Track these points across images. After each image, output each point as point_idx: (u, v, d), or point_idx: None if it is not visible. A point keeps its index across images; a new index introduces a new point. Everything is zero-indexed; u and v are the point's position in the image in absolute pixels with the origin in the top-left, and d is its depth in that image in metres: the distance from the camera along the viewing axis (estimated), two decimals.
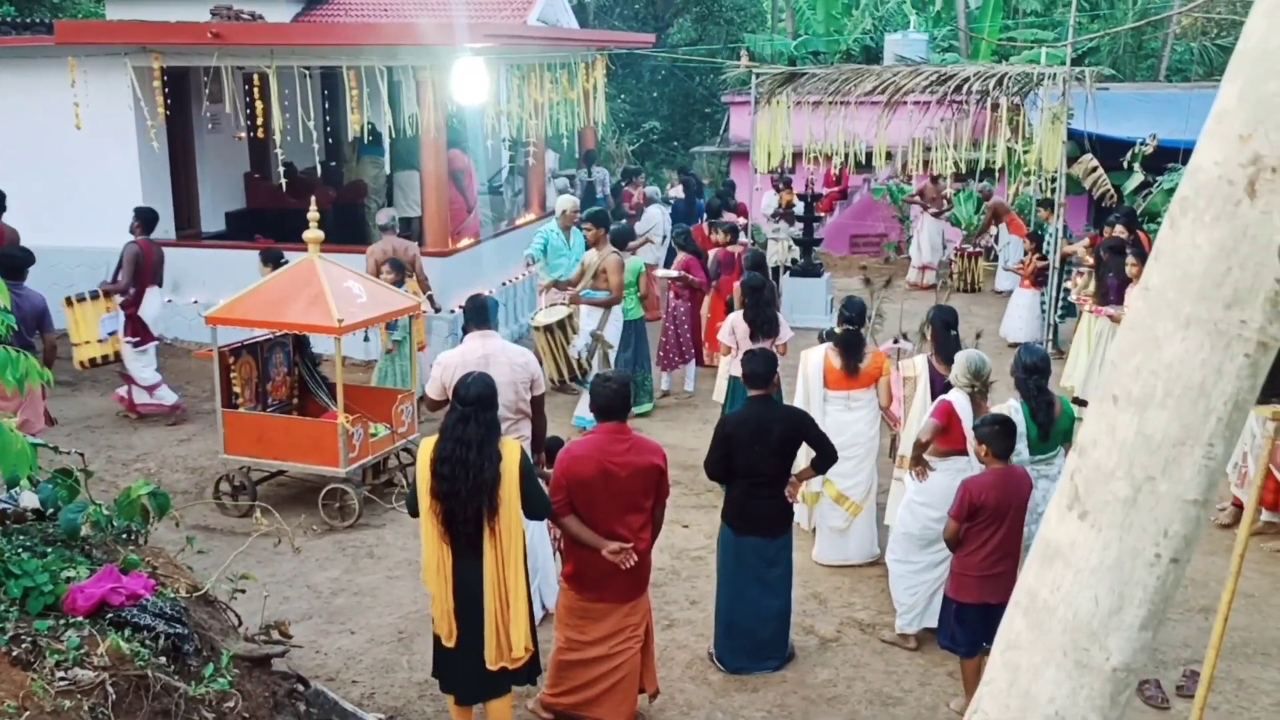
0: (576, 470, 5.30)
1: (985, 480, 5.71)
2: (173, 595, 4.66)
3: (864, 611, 6.99)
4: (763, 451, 6.05)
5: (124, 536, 5.03)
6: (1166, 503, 2.08)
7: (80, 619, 4.17)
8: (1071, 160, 13.63)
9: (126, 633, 4.19)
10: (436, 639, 5.22)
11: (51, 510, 5.00)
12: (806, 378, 7.53)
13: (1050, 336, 12.69)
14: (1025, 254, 13.59)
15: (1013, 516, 5.69)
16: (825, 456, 6.27)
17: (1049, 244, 12.92)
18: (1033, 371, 6.22)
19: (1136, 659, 2.16)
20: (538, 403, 6.69)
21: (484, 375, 5.24)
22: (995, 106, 12.65)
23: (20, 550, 4.48)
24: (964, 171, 14.91)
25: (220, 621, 5.12)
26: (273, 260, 9.64)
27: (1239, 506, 7.98)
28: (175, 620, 4.42)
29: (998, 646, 2.34)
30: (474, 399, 5.03)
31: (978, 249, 16.59)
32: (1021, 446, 6.10)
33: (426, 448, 5.09)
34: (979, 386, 6.34)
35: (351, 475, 8.16)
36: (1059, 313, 12.86)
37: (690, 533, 8.07)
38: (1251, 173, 1.93)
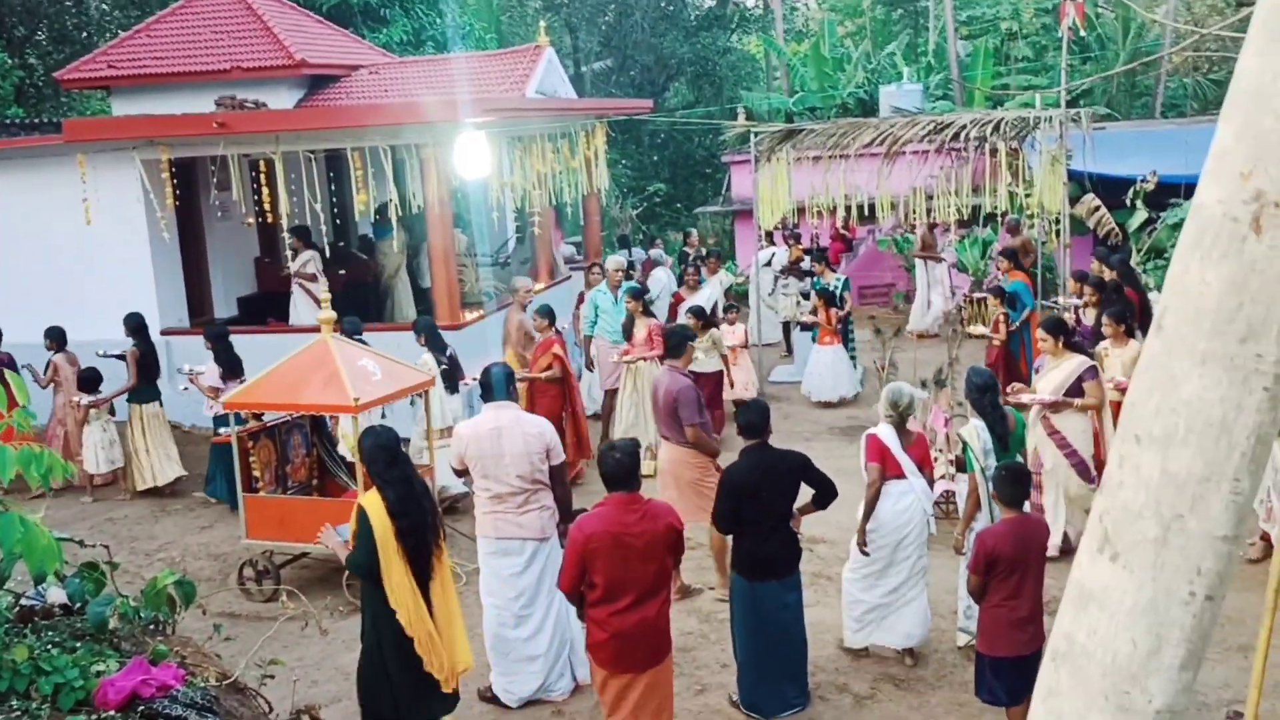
0: (592, 546, 5.29)
1: (999, 530, 5.69)
2: (202, 684, 4.64)
3: (897, 666, 6.91)
4: (771, 496, 6.18)
5: (152, 627, 5.01)
6: (1197, 540, 2.08)
7: (112, 713, 4.16)
8: (1073, 201, 13.69)
9: None
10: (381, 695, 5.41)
11: (79, 604, 4.99)
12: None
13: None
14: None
15: (1033, 565, 5.66)
16: (825, 493, 6.43)
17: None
18: (984, 390, 6.88)
19: (1179, 700, 2.14)
20: (558, 472, 6.60)
21: (380, 427, 5.71)
22: (994, 152, 12.76)
23: (50, 646, 4.47)
24: (966, 218, 14.95)
25: (251, 709, 5.09)
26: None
27: (1267, 541, 7.90)
28: (206, 710, 4.39)
29: (1038, 695, 2.32)
30: (387, 446, 5.48)
31: (984, 294, 16.54)
32: (991, 461, 6.52)
33: (375, 502, 5.34)
34: (895, 416, 6.74)
35: None
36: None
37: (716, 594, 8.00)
38: (1255, 209, 1.96)
